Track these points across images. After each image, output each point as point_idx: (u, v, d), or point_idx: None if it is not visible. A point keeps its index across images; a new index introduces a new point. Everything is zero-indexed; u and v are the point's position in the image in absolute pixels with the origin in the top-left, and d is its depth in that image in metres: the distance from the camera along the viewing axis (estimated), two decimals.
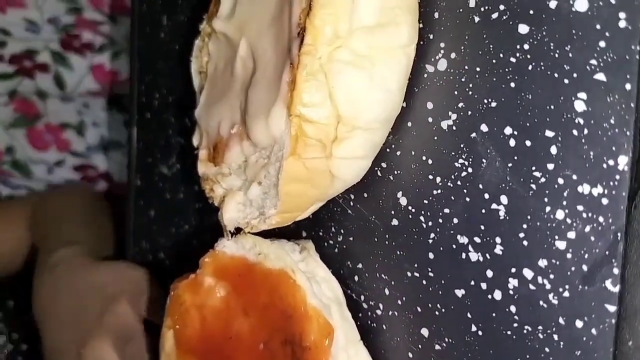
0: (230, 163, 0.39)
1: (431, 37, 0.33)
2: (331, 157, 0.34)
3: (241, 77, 0.38)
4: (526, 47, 0.29)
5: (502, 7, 0.30)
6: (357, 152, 0.34)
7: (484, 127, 0.31)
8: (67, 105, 0.77)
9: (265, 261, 0.37)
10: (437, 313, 0.34)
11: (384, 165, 0.36)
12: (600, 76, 0.27)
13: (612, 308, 0.27)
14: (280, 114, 0.33)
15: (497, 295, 0.31)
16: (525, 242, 0.30)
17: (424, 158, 0.34)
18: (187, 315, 0.40)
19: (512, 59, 0.30)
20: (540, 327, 0.29)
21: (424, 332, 0.34)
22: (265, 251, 0.37)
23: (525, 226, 0.30)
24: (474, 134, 0.31)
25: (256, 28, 0.37)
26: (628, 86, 0.26)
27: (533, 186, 0.29)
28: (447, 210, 0.33)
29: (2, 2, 0.72)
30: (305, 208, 0.36)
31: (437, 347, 0.34)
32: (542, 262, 0.29)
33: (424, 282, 0.34)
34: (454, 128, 0.32)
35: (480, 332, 0.32)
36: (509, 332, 0.31)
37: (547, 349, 0.29)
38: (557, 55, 0.28)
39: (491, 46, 0.31)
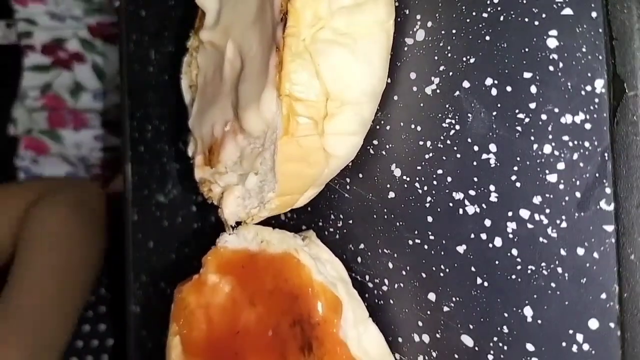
0: (226, 161, 0.40)
1: (407, 12, 0.35)
2: (324, 134, 0.35)
3: (230, 78, 0.40)
4: (496, 0, 0.31)
5: None
6: (348, 127, 0.35)
7: (465, 84, 0.32)
8: (99, 102, 0.78)
9: (268, 247, 0.37)
10: (441, 275, 0.34)
11: (375, 142, 0.37)
12: (567, 11, 0.29)
13: (610, 227, 0.28)
14: (271, 96, 0.35)
15: (498, 242, 0.31)
16: (518, 184, 0.31)
17: (412, 126, 0.35)
18: (193, 317, 0.39)
19: (485, 14, 0.32)
20: (543, 264, 0.30)
21: (431, 296, 0.35)
22: (268, 238, 0.37)
23: (516, 168, 0.31)
24: (457, 92, 0.33)
25: (241, 28, 0.39)
26: (594, 14, 0.28)
27: (518, 128, 0.30)
28: (440, 171, 0.34)
29: None
30: (304, 190, 0.37)
31: (446, 308, 0.34)
32: (537, 199, 0.30)
33: (426, 246, 0.35)
34: (438, 91, 0.34)
35: (485, 283, 0.32)
36: (513, 276, 0.31)
37: (552, 284, 0.30)
38: (525, 2, 0.30)
39: (463, 7, 0.33)
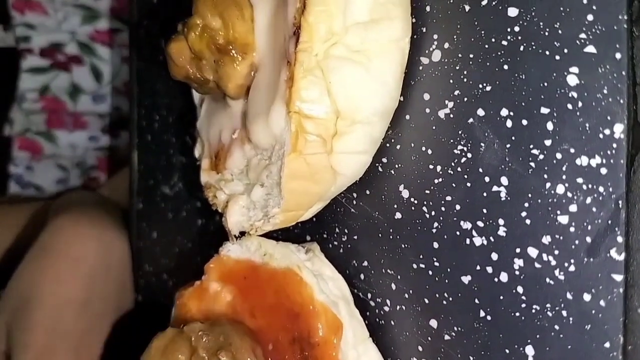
0: (232, 169, 0.39)
1: (424, 30, 0.34)
2: (332, 153, 0.34)
3: None
4: (517, 29, 0.30)
5: None
6: (357, 146, 0.34)
7: (480, 112, 0.32)
8: (98, 105, 0.78)
9: (270, 261, 0.37)
10: (444, 302, 0.34)
11: (384, 160, 0.36)
12: (590, 49, 0.27)
13: (618, 277, 0.27)
14: (280, 111, 0.34)
15: (504, 277, 0.31)
16: (527, 221, 0.30)
17: (423, 149, 0.34)
18: None
19: (504, 42, 0.30)
20: (548, 305, 0.29)
21: (433, 323, 0.34)
22: (271, 251, 0.37)
23: (526, 205, 0.30)
24: (471, 119, 0.32)
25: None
26: (618, 55, 0.27)
27: (532, 164, 0.30)
28: (449, 198, 0.33)
29: (22, 5, 0.73)
30: (309, 206, 0.36)
31: (447, 337, 0.33)
32: (546, 239, 0.29)
33: (430, 272, 0.34)
34: (451, 116, 0.33)
35: (489, 317, 0.32)
36: (517, 314, 0.30)
37: (556, 327, 0.29)
38: (547, 34, 0.29)
39: (483, 32, 0.31)
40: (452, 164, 0.33)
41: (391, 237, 0.36)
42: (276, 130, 0.35)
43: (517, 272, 0.30)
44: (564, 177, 0.29)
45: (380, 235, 0.37)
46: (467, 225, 0.32)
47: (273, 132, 0.35)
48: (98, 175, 0.82)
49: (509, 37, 0.30)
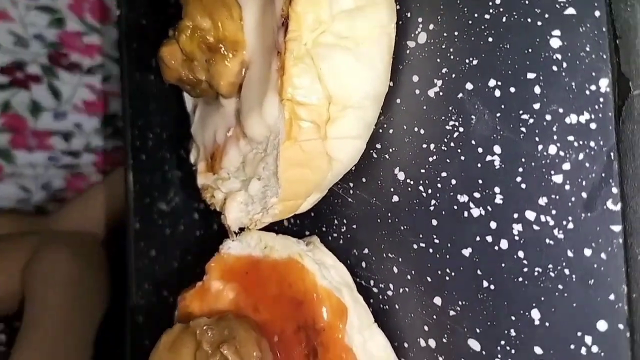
0: (228, 167, 0.40)
1: (409, 15, 0.35)
2: (326, 138, 0.34)
3: None
4: (498, 1, 0.31)
5: None
6: (351, 131, 0.35)
7: (468, 86, 0.32)
8: (59, 122, 0.78)
9: (271, 253, 0.37)
10: (447, 278, 0.34)
11: (378, 146, 0.37)
12: (570, 10, 0.28)
13: (617, 227, 0.27)
14: (273, 101, 0.35)
15: (504, 244, 0.31)
16: (523, 185, 0.30)
17: (416, 129, 0.35)
18: None
19: (487, 16, 0.31)
20: (550, 266, 0.30)
21: (437, 301, 0.34)
22: (271, 243, 0.37)
23: (521, 169, 0.30)
24: (460, 94, 0.33)
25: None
26: (597, 13, 0.28)
27: (523, 129, 0.30)
28: (444, 174, 0.34)
29: None
30: (307, 195, 0.36)
31: (452, 312, 0.33)
32: (542, 200, 0.30)
33: (431, 250, 0.34)
34: (441, 94, 0.34)
35: (492, 287, 0.32)
36: (520, 279, 0.31)
37: (560, 286, 0.29)
38: (527, 2, 0.30)
39: (465, 9, 0.32)
40: (445, 140, 0.33)
41: (390, 221, 0.36)
42: (270, 120, 0.35)
43: (516, 238, 0.31)
44: (555, 137, 0.29)
45: (379, 220, 0.37)
46: (464, 198, 0.33)
47: (267, 122, 0.35)
48: (67, 196, 0.83)
49: (490, 10, 0.31)
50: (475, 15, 0.32)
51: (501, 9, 0.31)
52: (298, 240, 0.38)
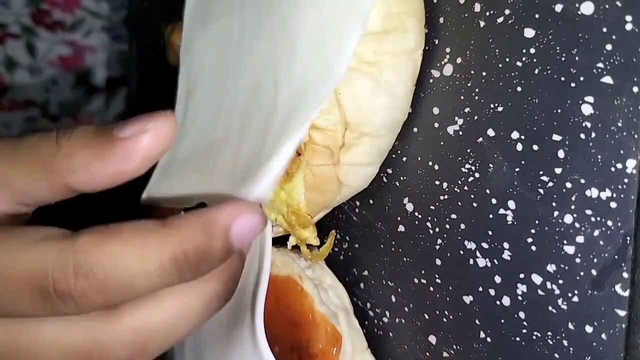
0: None
1: (437, 42, 0.33)
2: (339, 164, 0.34)
3: None
4: (532, 51, 0.29)
5: (507, 12, 0.30)
6: (364, 158, 0.34)
7: (490, 132, 0.31)
8: (35, 78, 0.77)
9: (271, 268, 0.37)
10: (444, 320, 0.33)
11: (389, 171, 0.36)
12: (607, 79, 0.27)
13: (622, 312, 0.27)
14: None
15: (506, 301, 0.31)
16: (533, 247, 0.30)
17: (430, 163, 0.34)
18: None
19: (518, 63, 0.30)
20: (549, 333, 0.29)
21: (432, 339, 0.34)
22: (272, 258, 0.37)
23: (533, 231, 0.29)
24: (480, 139, 0.31)
25: None
26: (635, 89, 0.26)
27: (541, 191, 0.29)
28: (454, 216, 0.33)
29: None
30: (313, 215, 0.36)
31: (445, 354, 0.33)
32: (551, 267, 0.29)
33: (431, 288, 0.34)
34: (461, 133, 0.32)
35: (488, 339, 0.32)
36: (517, 339, 0.30)
37: (556, 355, 0.29)
38: (563, 59, 0.28)
39: (497, 50, 0.31)
40: (459, 182, 0.32)
41: (393, 249, 0.36)
42: None
43: (519, 298, 0.30)
44: (572, 207, 0.28)
45: (382, 246, 0.37)
46: (471, 245, 0.32)
47: None
48: None
49: (524, 59, 0.29)
50: (507, 59, 0.30)
51: (535, 60, 0.29)
52: (299, 256, 0.38)
